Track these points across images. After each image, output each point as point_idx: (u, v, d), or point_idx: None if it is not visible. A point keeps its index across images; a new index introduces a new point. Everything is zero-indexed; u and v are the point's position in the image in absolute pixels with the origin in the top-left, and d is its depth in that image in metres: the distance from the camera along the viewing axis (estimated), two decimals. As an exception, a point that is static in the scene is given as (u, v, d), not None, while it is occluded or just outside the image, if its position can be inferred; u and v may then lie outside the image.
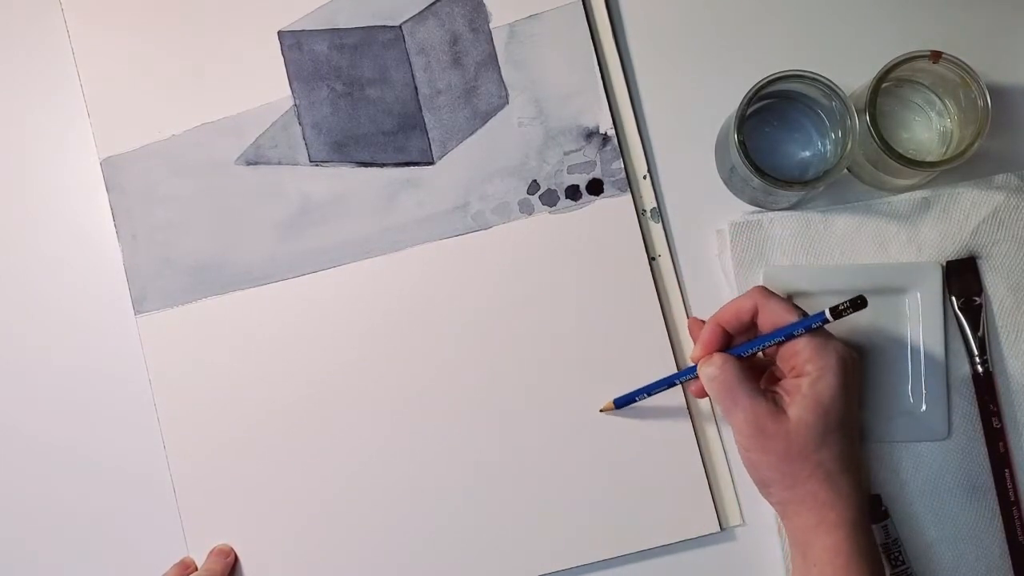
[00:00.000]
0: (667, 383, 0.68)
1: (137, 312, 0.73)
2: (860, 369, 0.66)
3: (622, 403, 0.69)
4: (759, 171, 0.64)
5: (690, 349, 0.70)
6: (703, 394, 0.66)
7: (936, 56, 0.65)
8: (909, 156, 0.65)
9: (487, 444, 0.71)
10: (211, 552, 0.71)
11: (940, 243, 0.69)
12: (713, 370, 0.62)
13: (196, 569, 0.70)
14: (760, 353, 0.63)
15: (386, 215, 0.72)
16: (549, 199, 0.72)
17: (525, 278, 0.71)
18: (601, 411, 0.70)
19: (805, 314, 0.62)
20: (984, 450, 0.68)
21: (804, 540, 0.61)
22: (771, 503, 0.63)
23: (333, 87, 0.73)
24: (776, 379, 0.64)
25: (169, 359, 0.73)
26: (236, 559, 0.71)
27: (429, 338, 0.71)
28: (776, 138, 0.69)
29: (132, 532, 0.73)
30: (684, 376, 0.67)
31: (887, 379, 0.69)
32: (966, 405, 0.69)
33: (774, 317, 0.62)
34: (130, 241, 0.73)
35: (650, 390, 0.68)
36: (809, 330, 0.61)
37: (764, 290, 0.63)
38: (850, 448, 0.62)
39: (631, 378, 0.70)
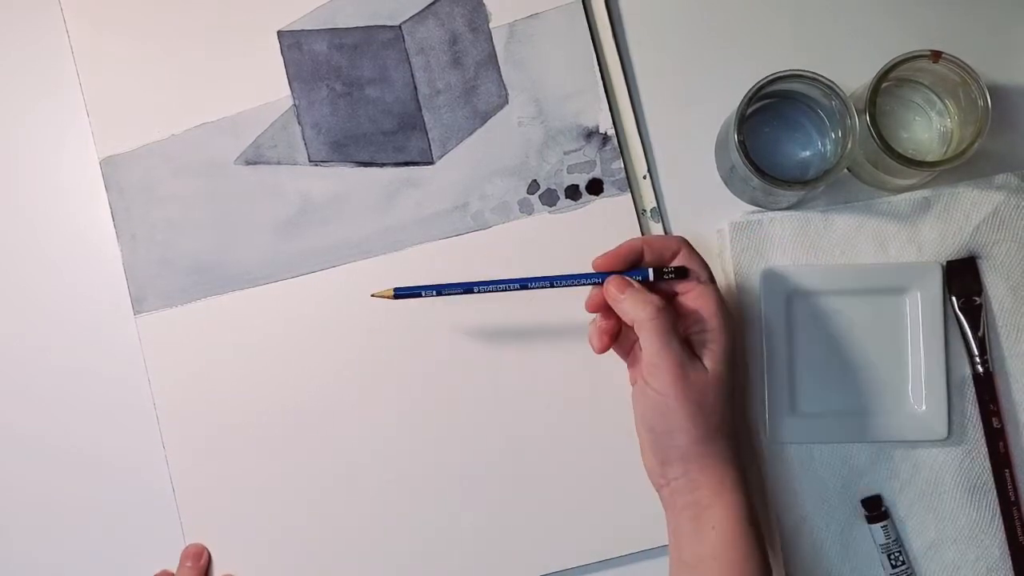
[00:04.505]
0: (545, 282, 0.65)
1: (136, 312, 0.73)
2: None
3: (402, 294, 0.65)
4: (759, 171, 0.64)
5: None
6: (598, 308, 0.64)
7: (936, 56, 0.65)
8: (909, 156, 0.65)
9: (487, 444, 0.71)
10: (182, 557, 0.71)
11: (940, 243, 0.69)
12: (654, 308, 0.61)
13: None
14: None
15: (386, 215, 0.72)
16: (549, 199, 0.71)
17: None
18: (373, 295, 0.66)
19: (713, 280, 0.64)
20: (984, 450, 0.68)
21: (703, 501, 0.61)
22: (667, 461, 0.62)
23: (332, 87, 0.73)
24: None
25: (168, 359, 0.72)
26: (210, 557, 0.71)
27: (428, 338, 0.71)
28: (776, 138, 0.69)
29: (131, 531, 0.72)
30: (573, 280, 0.64)
31: (887, 379, 0.69)
32: (966, 405, 0.69)
33: (690, 265, 0.63)
34: (129, 241, 0.73)
35: (464, 288, 0.64)
36: (714, 286, 0.63)
37: (688, 244, 0.64)
38: (736, 411, 0.63)
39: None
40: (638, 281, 0.63)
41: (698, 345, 0.62)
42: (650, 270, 0.63)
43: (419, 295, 0.65)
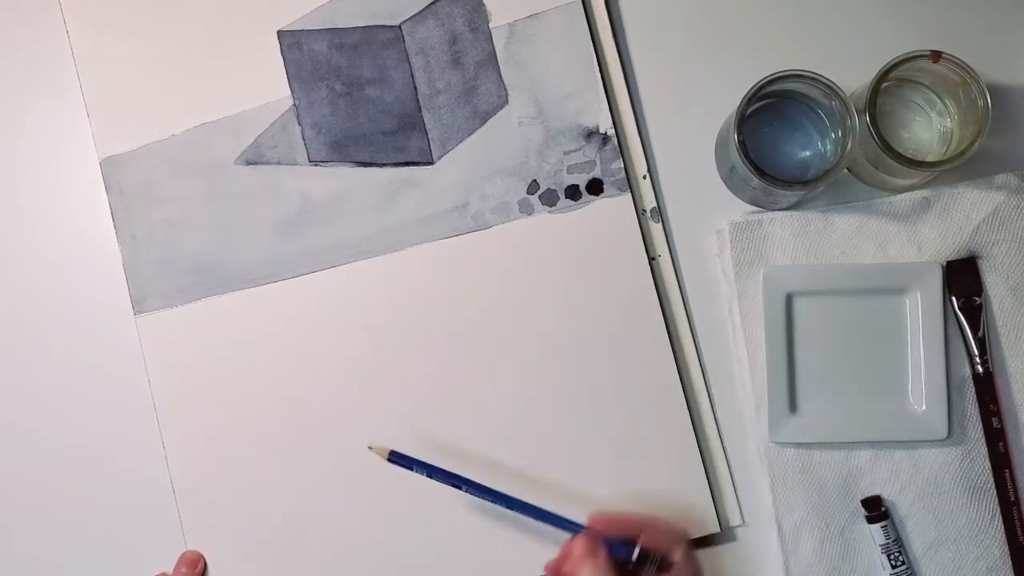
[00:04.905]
0: (509, 504, 0.65)
1: (136, 312, 0.73)
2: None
3: (396, 460, 0.66)
4: (759, 171, 0.64)
5: (691, 349, 0.70)
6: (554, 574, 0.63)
7: (936, 56, 0.65)
8: (909, 156, 0.65)
9: (487, 443, 0.71)
10: (179, 562, 0.71)
11: (940, 243, 0.69)
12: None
13: None
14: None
15: (386, 215, 0.72)
16: (549, 199, 0.71)
17: (525, 278, 0.71)
18: (370, 448, 0.67)
19: (691, 546, 0.62)
20: (984, 450, 0.68)
21: None
22: None
23: (332, 87, 0.73)
24: None
25: (168, 359, 0.72)
26: (205, 566, 0.71)
27: (428, 338, 0.71)
28: (776, 138, 0.69)
29: (131, 531, 0.72)
30: (554, 520, 0.64)
31: (887, 379, 0.69)
32: (966, 405, 0.69)
33: (656, 543, 0.61)
34: (129, 241, 0.73)
35: (453, 482, 0.66)
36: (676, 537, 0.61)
37: (689, 546, 0.62)
38: None
39: (631, 377, 0.70)
40: (612, 556, 0.60)
41: None
42: (636, 549, 0.61)
43: (411, 468, 0.66)
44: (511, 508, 0.65)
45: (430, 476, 0.66)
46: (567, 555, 0.62)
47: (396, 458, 0.66)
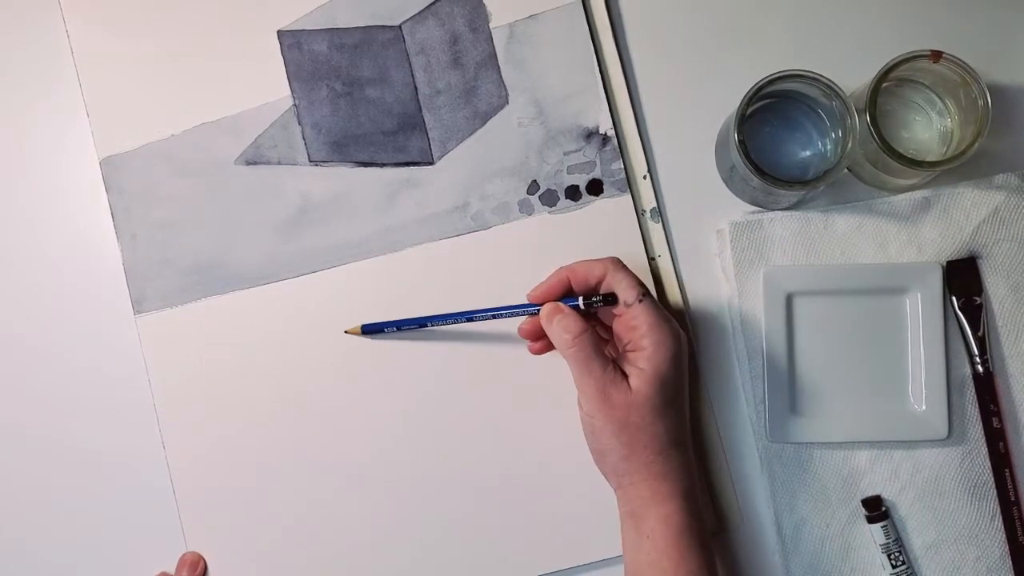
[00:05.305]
0: (476, 316, 0.68)
1: (136, 312, 0.73)
2: (689, 347, 0.68)
3: (370, 329, 0.71)
4: (759, 171, 0.64)
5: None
6: (533, 336, 0.67)
7: (936, 56, 0.65)
8: (909, 156, 0.65)
9: (487, 442, 0.71)
10: (179, 565, 0.71)
11: (940, 243, 0.69)
12: (571, 337, 0.63)
13: None
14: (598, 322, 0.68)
15: (386, 215, 0.72)
16: (549, 199, 0.71)
17: (525, 278, 0.71)
18: (346, 332, 0.71)
19: (648, 293, 0.64)
20: (984, 450, 0.68)
21: (637, 512, 0.63)
22: (606, 474, 0.65)
23: (333, 87, 0.73)
24: (615, 349, 0.67)
25: (168, 359, 0.72)
26: (206, 567, 0.71)
27: (430, 335, 0.71)
28: (776, 138, 0.69)
29: (131, 532, 0.72)
30: (512, 311, 0.67)
31: (887, 379, 0.69)
32: (966, 405, 0.69)
33: (616, 289, 0.64)
34: (129, 241, 0.73)
35: (420, 323, 0.70)
36: (644, 305, 0.64)
37: (618, 262, 0.65)
38: (681, 423, 0.64)
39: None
40: (573, 307, 0.65)
41: (628, 365, 0.64)
42: (580, 299, 0.65)
43: (383, 331, 0.70)
44: (472, 320, 0.69)
45: (400, 329, 0.70)
46: (530, 331, 0.67)
47: (370, 328, 0.71)
